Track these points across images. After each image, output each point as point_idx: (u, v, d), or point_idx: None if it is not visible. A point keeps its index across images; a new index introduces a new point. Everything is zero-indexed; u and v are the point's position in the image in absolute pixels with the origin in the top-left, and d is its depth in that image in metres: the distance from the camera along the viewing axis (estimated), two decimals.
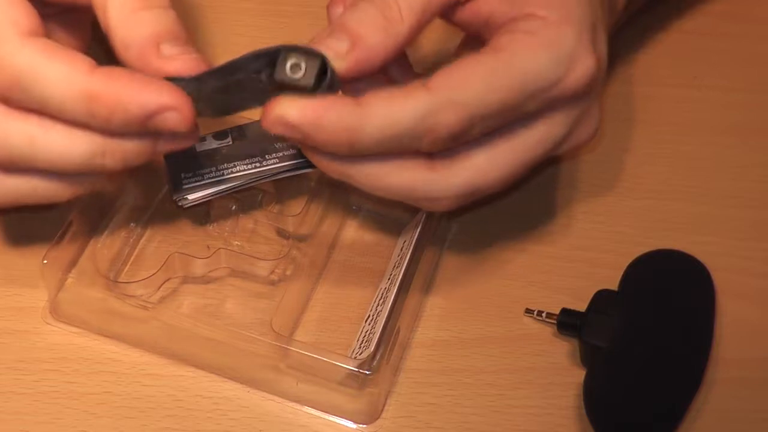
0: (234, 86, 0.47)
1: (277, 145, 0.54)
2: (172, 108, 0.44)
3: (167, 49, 0.46)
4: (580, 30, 0.48)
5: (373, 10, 0.47)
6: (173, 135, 0.46)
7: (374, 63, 0.47)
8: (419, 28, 0.48)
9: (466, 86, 0.46)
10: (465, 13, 0.50)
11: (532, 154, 0.49)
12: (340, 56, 0.46)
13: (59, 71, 0.44)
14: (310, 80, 0.45)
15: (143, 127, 0.45)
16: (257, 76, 0.46)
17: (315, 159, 0.47)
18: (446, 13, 0.50)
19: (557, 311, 0.53)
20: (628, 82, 0.64)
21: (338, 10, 0.50)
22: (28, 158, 0.46)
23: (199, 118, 0.47)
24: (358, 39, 0.46)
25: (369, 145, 0.45)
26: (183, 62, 0.46)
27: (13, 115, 0.46)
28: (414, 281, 0.53)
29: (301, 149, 0.48)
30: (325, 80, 0.46)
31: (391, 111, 0.45)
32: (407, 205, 0.55)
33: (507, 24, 0.48)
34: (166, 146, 0.47)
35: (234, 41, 0.66)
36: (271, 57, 0.46)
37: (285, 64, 0.45)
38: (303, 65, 0.45)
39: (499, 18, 0.49)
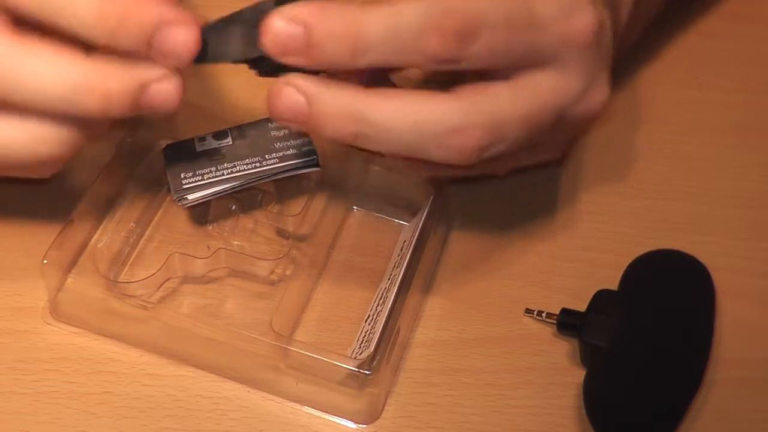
0: (236, 28, 0.46)
1: (277, 145, 0.54)
2: (182, 23, 0.44)
3: None
4: None
5: None
6: (164, 81, 0.45)
7: None
8: None
9: None
10: None
11: (549, 99, 0.48)
12: None
13: None
14: None
15: (148, 43, 0.44)
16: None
17: (324, 116, 0.45)
18: None
19: (557, 311, 0.53)
20: (629, 82, 0.64)
21: None
22: (11, 83, 0.45)
23: (200, 64, 0.46)
24: None
25: (375, 40, 0.44)
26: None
27: (3, 34, 0.45)
28: (414, 281, 0.53)
29: (305, 114, 0.45)
30: None
31: (396, 4, 0.44)
32: (407, 204, 0.55)
33: None
34: (149, 98, 0.45)
35: None
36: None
37: None
38: None
39: None
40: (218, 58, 0.47)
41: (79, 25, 0.44)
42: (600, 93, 0.50)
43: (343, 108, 0.45)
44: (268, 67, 0.46)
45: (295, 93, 0.45)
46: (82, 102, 0.45)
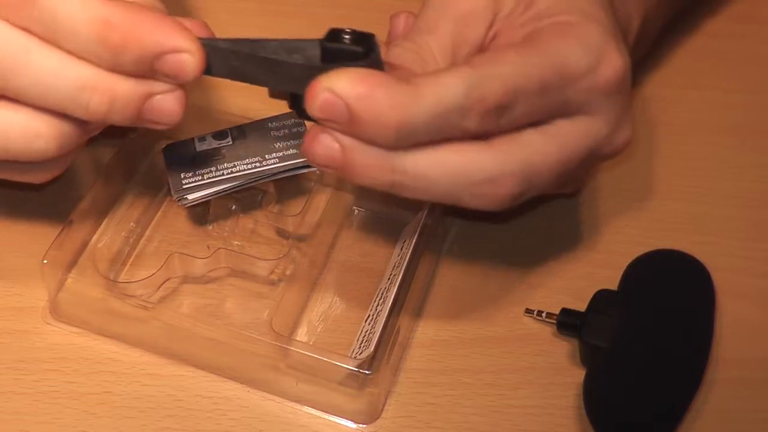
0: (261, 61, 0.46)
1: (277, 145, 0.54)
2: (187, 51, 0.44)
3: None
4: (605, 29, 0.49)
5: (410, 53, 0.48)
6: (169, 91, 0.45)
7: None
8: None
9: (507, 61, 0.46)
10: (492, 48, 0.50)
11: (579, 145, 0.49)
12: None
13: None
14: (363, 47, 0.44)
15: (150, 67, 0.44)
16: (290, 57, 0.45)
17: (359, 166, 0.45)
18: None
19: (557, 311, 0.53)
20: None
21: (399, 21, 0.52)
22: (17, 71, 0.44)
23: (209, 76, 0.46)
24: (400, 67, 0.47)
25: (419, 125, 0.44)
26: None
27: (15, 26, 0.44)
28: (414, 281, 0.53)
29: (340, 163, 0.45)
30: (374, 53, 0.45)
31: (440, 86, 0.44)
32: (407, 205, 0.55)
33: (529, 34, 0.49)
34: (152, 108, 0.46)
35: None
36: (309, 48, 0.45)
37: (336, 36, 0.45)
38: (353, 37, 0.45)
39: (520, 38, 0.49)
40: (227, 78, 0.47)
41: (82, 49, 0.44)
42: (625, 133, 0.51)
43: (378, 159, 0.45)
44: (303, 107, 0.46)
45: (330, 141, 0.45)
46: (87, 101, 0.45)
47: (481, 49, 0.50)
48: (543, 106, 0.47)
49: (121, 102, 0.45)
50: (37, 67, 0.44)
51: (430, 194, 0.47)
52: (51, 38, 0.44)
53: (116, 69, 0.44)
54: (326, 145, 0.45)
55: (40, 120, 0.46)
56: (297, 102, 0.46)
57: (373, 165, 0.45)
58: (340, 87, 0.44)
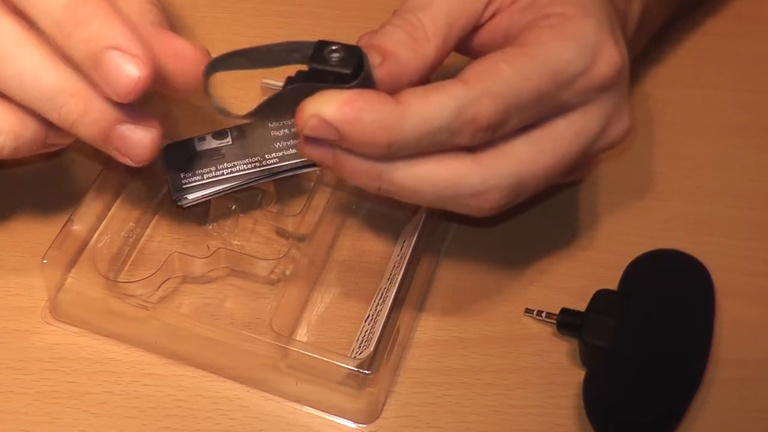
0: (263, 63, 0.46)
1: (277, 145, 0.54)
2: (134, 55, 0.44)
3: None
4: (600, 23, 0.48)
5: (400, 31, 0.47)
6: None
7: (404, 78, 0.47)
8: (445, 48, 0.48)
9: (501, 77, 0.45)
10: (483, 35, 0.50)
11: (571, 147, 0.48)
12: (373, 66, 0.46)
13: None
14: (349, 68, 0.44)
15: (95, 59, 0.44)
16: (289, 56, 0.46)
17: (349, 171, 0.46)
18: (466, 39, 0.50)
19: (557, 311, 0.53)
20: (629, 81, 0.64)
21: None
22: (2, 60, 0.45)
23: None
24: (388, 54, 0.46)
25: (408, 143, 0.45)
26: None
27: (10, 14, 0.45)
28: (414, 281, 0.53)
29: (332, 165, 0.47)
30: (363, 72, 0.45)
31: (429, 105, 0.44)
32: (407, 204, 0.55)
33: (524, 28, 0.48)
34: (120, 136, 0.46)
35: (234, 41, 0.65)
36: (306, 50, 0.45)
37: (322, 52, 0.45)
38: (341, 55, 0.45)
39: (518, 27, 0.49)
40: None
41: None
42: (622, 124, 0.50)
43: (366, 167, 0.46)
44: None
45: (321, 144, 0.46)
46: (61, 105, 0.46)
47: (477, 26, 0.50)
48: (536, 114, 0.47)
49: (92, 116, 0.46)
50: (22, 60, 0.45)
51: (416, 201, 0.48)
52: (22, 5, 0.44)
53: (67, 48, 0.45)
54: (318, 147, 0.46)
55: (4, 116, 0.46)
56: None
57: (361, 171, 0.46)
58: (327, 112, 0.44)
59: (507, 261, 0.56)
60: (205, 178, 0.53)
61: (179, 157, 0.54)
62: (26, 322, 0.53)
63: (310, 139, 0.46)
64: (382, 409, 0.51)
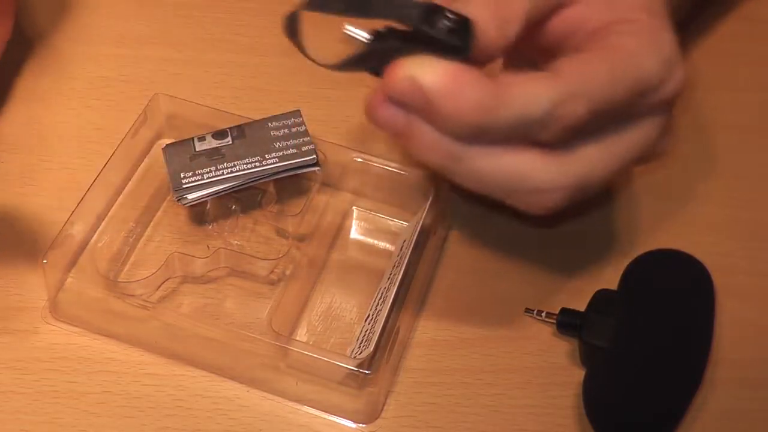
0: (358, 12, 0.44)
1: (277, 145, 0.54)
2: None
3: None
4: (674, 37, 0.48)
5: (491, 6, 0.45)
6: None
7: (485, 58, 0.46)
8: (524, 32, 0.47)
9: (595, 79, 0.45)
10: (555, 22, 0.49)
11: (632, 154, 0.48)
12: None
13: None
14: (458, 40, 0.43)
15: None
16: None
17: (419, 143, 0.44)
18: (539, 23, 0.49)
19: (557, 311, 0.53)
20: None
21: None
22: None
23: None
24: (477, 28, 0.44)
25: (498, 128, 0.43)
26: None
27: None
28: (414, 281, 0.53)
29: (401, 133, 0.44)
30: (467, 46, 0.43)
31: (528, 94, 0.43)
32: (407, 204, 0.55)
33: (602, 29, 0.48)
34: None
35: (234, 41, 0.66)
36: (410, 9, 0.43)
37: (433, 17, 0.43)
38: (451, 25, 0.43)
39: (592, 22, 0.48)
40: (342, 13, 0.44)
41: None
42: (667, 139, 0.50)
43: (439, 142, 0.44)
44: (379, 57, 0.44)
45: (397, 110, 0.44)
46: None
47: (554, 11, 0.49)
48: (613, 119, 0.47)
49: None
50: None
51: (478, 187, 0.46)
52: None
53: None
54: (391, 112, 0.44)
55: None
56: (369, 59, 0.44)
57: (433, 146, 0.44)
58: (427, 78, 0.42)
59: (507, 261, 0.56)
60: (205, 177, 0.53)
61: (179, 156, 0.54)
62: (26, 322, 0.53)
63: (387, 101, 0.44)
64: (382, 409, 0.51)
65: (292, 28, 0.45)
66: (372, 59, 0.44)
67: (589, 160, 0.47)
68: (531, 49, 0.51)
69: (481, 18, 0.45)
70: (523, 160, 0.45)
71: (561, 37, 0.49)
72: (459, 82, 0.42)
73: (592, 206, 0.58)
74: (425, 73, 0.43)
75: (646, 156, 0.50)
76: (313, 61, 0.44)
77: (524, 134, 0.44)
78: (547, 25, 0.49)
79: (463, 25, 0.43)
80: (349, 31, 0.44)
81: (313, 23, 0.45)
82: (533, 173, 0.45)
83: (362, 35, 0.44)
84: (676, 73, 0.48)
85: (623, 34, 0.47)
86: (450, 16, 0.43)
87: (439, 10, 0.43)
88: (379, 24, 0.44)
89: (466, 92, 0.42)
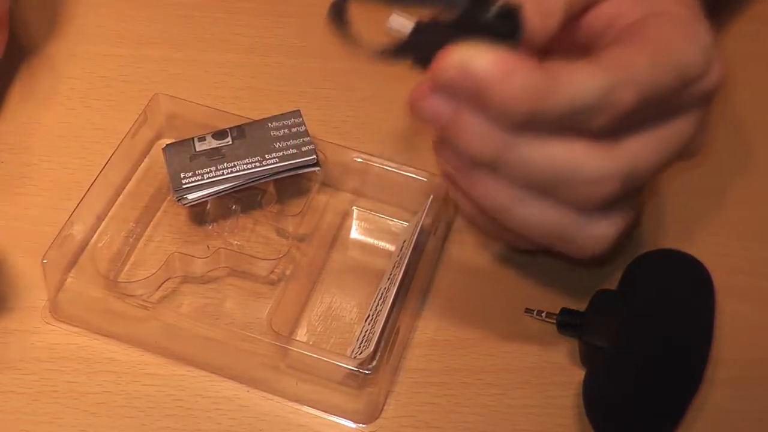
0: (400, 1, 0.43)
1: (277, 145, 0.54)
2: None
3: None
4: (710, 30, 0.48)
5: None
6: None
7: (533, 44, 0.45)
8: (562, 25, 0.47)
9: (641, 66, 0.44)
10: (591, 17, 0.49)
11: (676, 146, 0.48)
12: None
13: None
14: (507, 26, 0.42)
15: None
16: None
17: (467, 132, 0.43)
18: (576, 18, 0.49)
19: (557, 311, 0.53)
20: None
21: None
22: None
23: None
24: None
25: (549, 116, 0.43)
26: None
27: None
28: (414, 281, 0.53)
29: (447, 123, 0.43)
30: (518, 33, 0.43)
31: (578, 82, 0.43)
32: (407, 204, 0.55)
33: (639, 21, 0.47)
34: None
35: (234, 41, 0.66)
36: None
37: (484, 3, 0.42)
38: (501, 12, 0.43)
39: (627, 17, 0.48)
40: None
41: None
42: (704, 135, 0.50)
43: (490, 132, 0.44)
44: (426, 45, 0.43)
45: (443, 102, 0.43)
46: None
47: (588, 7, 0.48)
48: (658, 111, 0.46)
49: None
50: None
51: (527, 179, 0.45)
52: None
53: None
54: (437, 103, 0.44)
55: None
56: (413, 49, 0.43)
57: (483, 136, 0.44)
58: (478, 64, 0.42)
59: (507, 261, 0.56)
60: (205, 177, 0.53)
61: (179, 156, 0.54)
62: (26, 322, 0.53)
63: (433, 93, 0.44)
64: (382, 409, 0.51)
65: (339, 16, 0.44)
66: (417, 49, 0.43)
67: (637, 151, 0.46)
68: (567, 46, 0.50)
69: (524, 10, 0.45)
70: (573, 149, 0.45)
71: (597, 32, 0.49)
72: (510, 69, 0.42)
73: None
74: (476, 59, 0.42)
75: (686, 151, 0.49)
76: (360, 47, 0.43)
77: (575, 122, 0.44)
78: (583, 20, 0.49)
79: (512, 12, 0.43)
80: (395, 21, 0.43)
81: (358, 15, 0.44)
82: (584, 163, 0.45)
83: (407, 25, 0.43)
84: (716, 65, 0.47)
85: (661, 26, 0.47)
86: (498, 2, 0.43)
87: None
88: (426, 15, 0.43)
89: (518, 78, 0.42)
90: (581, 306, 0.53)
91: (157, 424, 0.50)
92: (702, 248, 0.55)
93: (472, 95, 0.42)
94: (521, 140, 0.44)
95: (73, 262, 0.53)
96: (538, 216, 0.46)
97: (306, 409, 0.51)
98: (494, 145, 0.44)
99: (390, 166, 0.56)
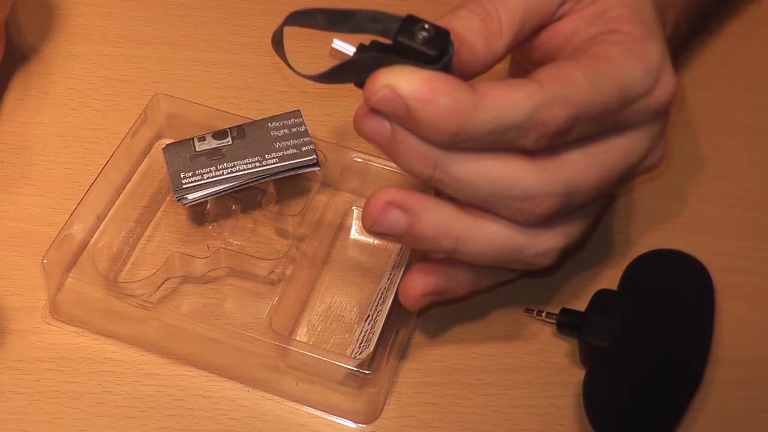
0: (341, 27, 0.45)
1: (277, 145, 0.54)
2: None
3: None
4: (663, 48, 0.48)
5: (477, 19, 0.47)
6: None
7: (473, 70, 0.46)
8: (513, 46, 0.48)
9: (575, 85, 0.45)
10: (543, 37, 0.50)
11: (620, 164, 0.48)
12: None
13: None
14: (435, 50, 0.43)
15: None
16: (370, 25, 0.45)
17: (404, 152, 0.45)
18: (530, 37, 0.50)
19: (557, 311, 0.53)
20: None
21: None
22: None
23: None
24: (464, 42, 0.46)
25: (476, 135, 0.44)
26: None
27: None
28: None
29: (386, 144, 0.45)
30: (446, 57, 0.44)
31: (505, 101, 0.43)
32: None
33: (589, 40, 0.48)
34: None
35: (234, 41, 0.66)
36: (389, 23, 0.44)
37: (411, 28, 0.44)
38: (428, 35, 0.44)
39: (581, 35, 0.49)
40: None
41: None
42: (660, 150, 0.50)
43: (424, 151, 0.45)
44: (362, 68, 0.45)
45: (382, 120, 0.44)
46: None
47: (545, 25, 0.49)
48: (596, 128, 0.47)
49: None
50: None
51: (466, 196, 0.46)
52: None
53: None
54: (376, 123, 0.45)
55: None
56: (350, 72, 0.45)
57: (418, 155, 0.45)
58: (403, 86, 0.43)
59: None
60: (205, 177, 0.53)
61: (179, 156, 0.54)
62: (26, 322, 0.53)
63: (372, 112, 0.44)
64: (382, 409, 0.51)
65: (278, 42, 0.46)
66: (354, 71, 0.45)
67: (574, 166, 0.47)
68: (526, 62, 0.51)
69: (469, 31, 0.46)
70: (508, 165, 0.45)
71: (552, 50, 0.50)
72: (435, 89, 0.43)
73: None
74: (401, 81, 0.43)
75: (639, 168, 0.50)
76: (296, 72, 0.46)
77: (506, 140, 0.44)
78: (539, 39, 0.50)
79: (441, 36, 0.44)
80: (337, 45, 0.45)
81: (304, 38, 0.47)
82: (520, 179, 0.46)
83: (349, 49, 0.45)
84: (664, 83, 0.48)
85: (607, 43, 0.47)
86: (428, 27, 0.44)
87: (417, 21, 0.44)
88: (366, 39, 0.45)
89: (442, 98, 0.43)
90: (581, 306, 0.53)
91: (157, 424, 0.50)
92: (702, 248, 0.55)
93: (401, 116, 0.43)
94: (456, 158, 0.45)
95: (73, 262, 0.53)
96: (487, 235, 0.47)
97: (306, 409, 0.51)
98: (430, 162, 0.45)
99: (390, 166, 0.56)
